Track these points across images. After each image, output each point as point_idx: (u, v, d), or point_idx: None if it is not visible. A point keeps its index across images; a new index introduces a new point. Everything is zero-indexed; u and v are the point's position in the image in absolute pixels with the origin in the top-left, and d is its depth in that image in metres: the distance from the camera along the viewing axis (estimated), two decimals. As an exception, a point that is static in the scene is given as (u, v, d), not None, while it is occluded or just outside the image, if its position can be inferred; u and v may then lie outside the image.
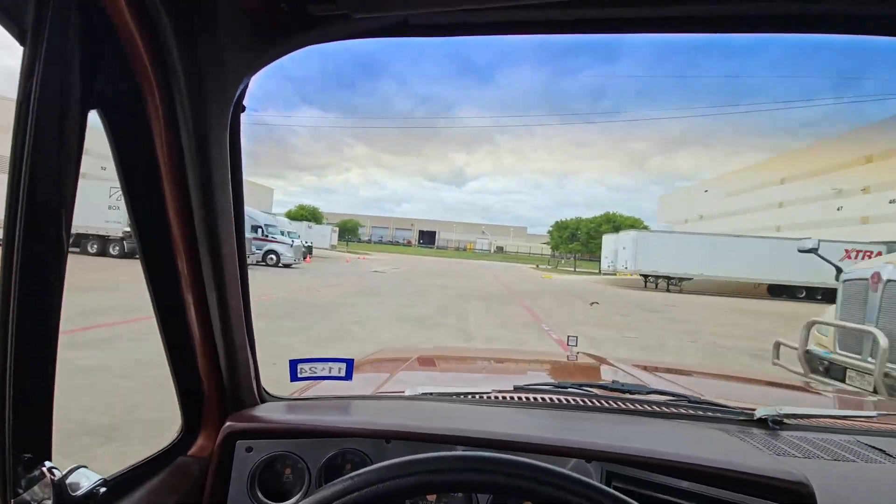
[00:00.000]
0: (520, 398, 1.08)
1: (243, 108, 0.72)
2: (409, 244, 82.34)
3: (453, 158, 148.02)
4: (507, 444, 0.79)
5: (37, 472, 0.57)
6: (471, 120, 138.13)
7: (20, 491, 0.55)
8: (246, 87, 0.69)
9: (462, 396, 1.08)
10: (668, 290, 24.34)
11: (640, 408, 1.04)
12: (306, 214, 53.27)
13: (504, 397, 1.09)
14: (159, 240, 0.72)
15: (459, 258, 61.45)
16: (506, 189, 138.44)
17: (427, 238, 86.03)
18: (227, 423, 0.86)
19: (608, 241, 30.69)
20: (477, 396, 1.09)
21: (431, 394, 1.09)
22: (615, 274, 29.54)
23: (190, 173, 0.67)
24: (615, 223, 45.10)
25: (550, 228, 52.66)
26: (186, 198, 0.69)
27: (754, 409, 1.03)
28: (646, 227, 43.08)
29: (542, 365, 1.98)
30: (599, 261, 52.79)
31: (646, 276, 25.93)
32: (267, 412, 0.92)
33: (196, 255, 0.73)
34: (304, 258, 23.82)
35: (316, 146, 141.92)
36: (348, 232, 65.80)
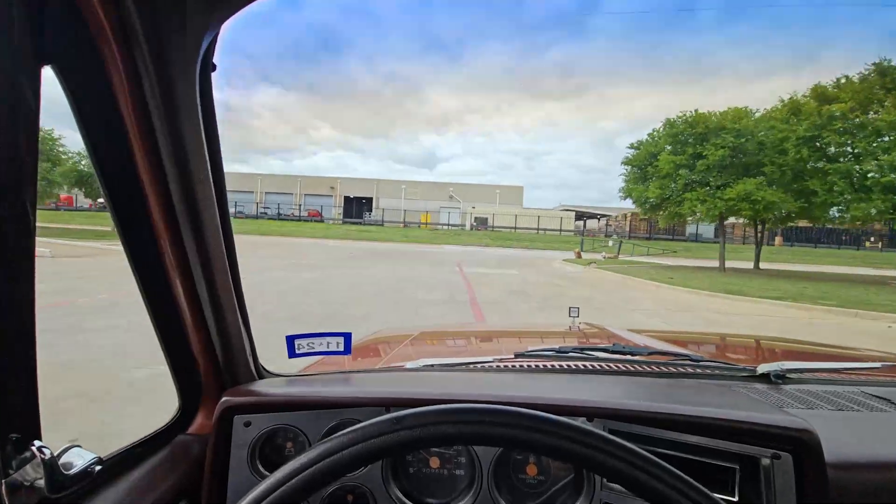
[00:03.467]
0: (522, 365, 1.10)
1: (214, 67, 0.68)
2: (315, 217, 46.92)
3: (423, 140, 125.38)
4: (509, 405, 0.82)
5: (28, 453, 0.55)
6: (440, 99, 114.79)
7: (11, 472, 0.53)
8: (211, 44, 0.65)
9: (464, 366, 1.10)
10: None
11: (643, 368, 1.06)
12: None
13: (506, 364, 1.11)
14: (135, 211, 0.69)
15: (409, 242, 29.38)
16: (477, 170, 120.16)
17: (359, 208, 52.16)
18: (224, 398, 0.84)
19: None
20: (479, 365, 1.10)
21: (433, 365, 1.10)
22: None
23: (159, 136, 0.64)
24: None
25: (629, 155, 20.16)
26: (159, 161, 0.65)
27: (756, 366, 1.04)
28: None
29: (545, 336, 2.03)
30: (757, 239, 15.29)
31: None
32: (264, 387, 0.91)
33: (176, 225, 0.71)
34: None
35: (280, 128, 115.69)
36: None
